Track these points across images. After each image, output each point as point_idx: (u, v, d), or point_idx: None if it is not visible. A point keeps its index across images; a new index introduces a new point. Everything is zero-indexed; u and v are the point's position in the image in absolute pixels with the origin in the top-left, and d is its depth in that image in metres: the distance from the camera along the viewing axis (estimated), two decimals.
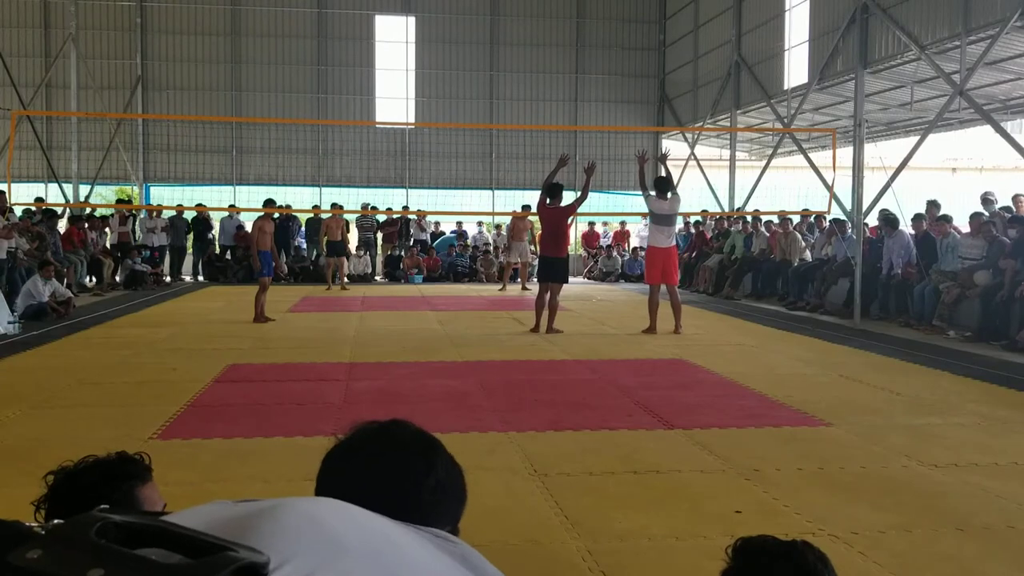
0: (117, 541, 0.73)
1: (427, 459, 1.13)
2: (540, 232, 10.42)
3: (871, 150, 12.77)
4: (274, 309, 11.12)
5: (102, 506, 0.86)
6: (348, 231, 17.12)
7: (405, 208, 19.82)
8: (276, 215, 13.23)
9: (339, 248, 16.05)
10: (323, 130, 20.62)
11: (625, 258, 19.42)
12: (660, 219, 9.80)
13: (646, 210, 10.45)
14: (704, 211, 18.62)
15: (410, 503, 1.06)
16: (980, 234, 10.03)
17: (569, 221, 10.80)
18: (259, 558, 0.73)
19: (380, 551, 0.84)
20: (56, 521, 0.77)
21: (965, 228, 10.77)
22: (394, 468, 1.11)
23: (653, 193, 9.80)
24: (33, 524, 0.78)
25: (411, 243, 19.27)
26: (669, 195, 9.79)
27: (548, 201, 9.64)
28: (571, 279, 19.59)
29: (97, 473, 1.66)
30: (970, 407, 5.80)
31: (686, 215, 19.24)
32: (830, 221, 13.37)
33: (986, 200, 10.92)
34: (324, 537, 0.82)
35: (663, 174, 10.23)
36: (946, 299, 9.89)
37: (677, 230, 18.82)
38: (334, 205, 17.65)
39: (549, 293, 9.61)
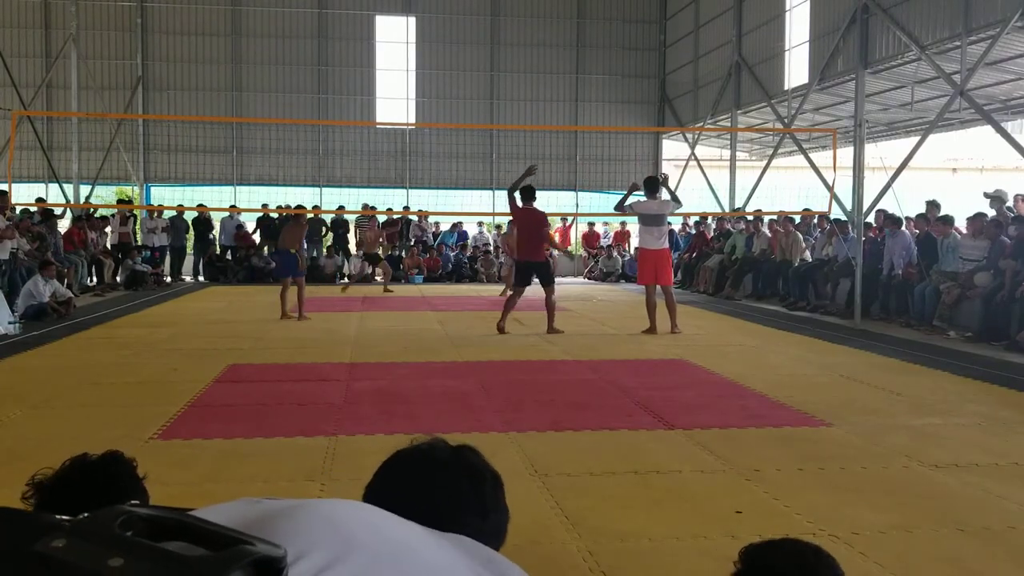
0: (142, 534, 0.75)
1: (496, 495, 1.18)
2: (516, 235, 10.11)
3: (871, 150, 12.76)
4: (275, 309, 11.13)
5: (132, 501, 0.88)
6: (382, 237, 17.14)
7: (405, 208, 19.84)
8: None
9: (375, 258, 16.11)
10: (323, 130, 20.63)
11: (625, 258, 19.42)
12: (647, 219, 9.67)
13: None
14: (704, 213, 18.61)
15: (472, 529, 1.09)
16: (983, 235, 10.02)
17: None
18: (275, 551, 0.75)
19: (395, 552, 0.86)
20: (85, 514, 0.79)
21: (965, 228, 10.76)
22: (472, 495, 1.14)
23: (640, 195, 9.71)
24: (63, 517, 0.80)
25: (412, 243, 19.28)
26: (658, 196, 9.73)
27: (521, 203, 9.45)
28: (572, 279, 19.73)
29: (81, 475, 1.66)
30: (971, 407, 5.79)
31: (686, 215, 19.29)
32: (830, 221, 13.37)
33: (996, 198, 10.87)
34: (340, 536, 0.85)
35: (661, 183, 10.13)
36: (947, 299, 9.89)
37: (676, 230, 18.95)
38: (365, 206, 17.60)
39: (545, 296, 9.53)
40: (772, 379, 6.77)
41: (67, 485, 1.62)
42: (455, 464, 1.16)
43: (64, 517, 0.79)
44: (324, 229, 18.63)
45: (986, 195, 11.14)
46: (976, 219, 10.28)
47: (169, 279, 17.20)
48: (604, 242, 20.72)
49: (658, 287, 9.68)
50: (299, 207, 11.83)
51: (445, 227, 20.30)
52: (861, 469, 4.31)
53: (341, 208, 18.66)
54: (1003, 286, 9.18)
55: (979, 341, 9.02)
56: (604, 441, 4.84)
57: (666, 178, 10.67)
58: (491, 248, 19.48)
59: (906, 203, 11.80)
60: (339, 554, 0.81)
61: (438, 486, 1.12)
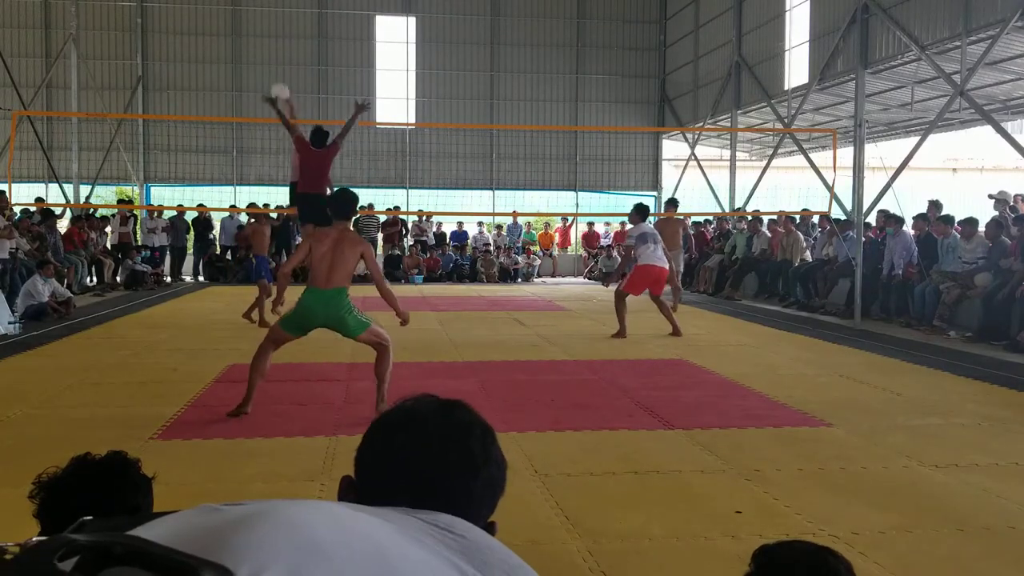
0: (87, 564, 0.73)
1: (486, 449, 1.12)
2: (300, 172, 10.03)
3: (871, 150, 12.77)
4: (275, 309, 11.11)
5: (84, 518, 0.85)
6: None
7: (396, 208, 19.83)
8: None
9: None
10: None
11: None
12: (654, 238, 9.40)
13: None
14: (693, 213, 18.60)
15: (461, 490, 1.07)
16: (973, 240, 10.01)
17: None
18: None
19: (365, 560, 0.83)
20: (34, 539, 0.77)
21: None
22: (458, 453, 1.09)
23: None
24: (8, 544, 0.78)
25: (412, 242, 19.30)
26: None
27: (313, 145, 9.57)
28: (571, 279, 19.74)
29: (85, 474, 1.66)
30: (971, 408, 5.79)
31: (686, 215, 19.27)
32: (831, 221, 13.37)
33: (1000, 200, 10.87)
34: (303, 545, 0.81)
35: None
36: (947, 299, 9.88)
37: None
38: (370, 206, 17.12)
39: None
40: (772, 379, 6.77)
41: (72, 485, 1.63)
42: (439, 419, 1.12)
43: (9, 546, 0.78)
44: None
45: (990, 196, 11.16)
46: (967, 224, 10.25)
47: (169, 279, 17.18)
48: (604, 242, 20.71)
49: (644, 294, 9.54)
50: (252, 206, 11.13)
51: (445, 227, 20.28)
52: (861, 469, 4.31)
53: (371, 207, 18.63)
54: (1004, 286, 9.17)
55: (979, 341, 9.01)
56: (604, 441, 4.84)
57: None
58: (491, 248, 19.50)
59: (906, 203, 11.81)
60: (302, 565, 0.78)
61: (423, 444, 1.09)
